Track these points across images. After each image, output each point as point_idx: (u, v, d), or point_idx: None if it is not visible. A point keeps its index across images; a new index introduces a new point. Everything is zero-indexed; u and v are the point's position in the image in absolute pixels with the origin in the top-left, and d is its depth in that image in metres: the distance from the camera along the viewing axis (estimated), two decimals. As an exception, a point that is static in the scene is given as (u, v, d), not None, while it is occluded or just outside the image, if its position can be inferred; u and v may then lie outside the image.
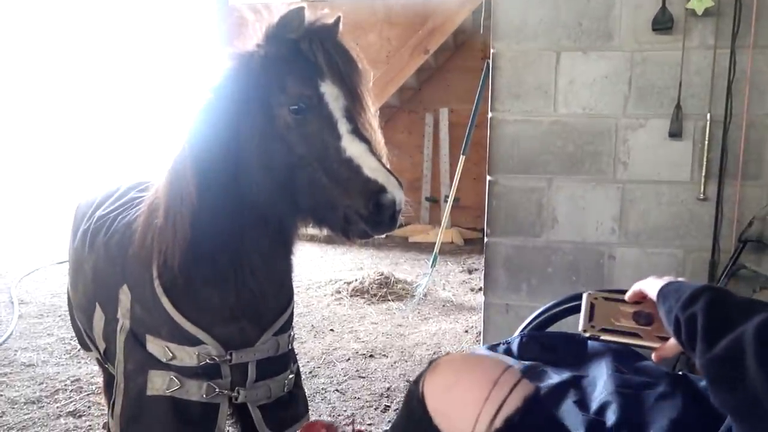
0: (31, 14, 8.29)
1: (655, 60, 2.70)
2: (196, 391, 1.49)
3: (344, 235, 1.40)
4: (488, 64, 3.02)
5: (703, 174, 2.70)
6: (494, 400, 0.92)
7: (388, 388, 3.18)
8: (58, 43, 8.31)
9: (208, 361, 1.49)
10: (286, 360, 1.65)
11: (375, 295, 4.75)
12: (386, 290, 4.81)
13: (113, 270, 1.62)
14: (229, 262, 1.46)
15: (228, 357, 1.50)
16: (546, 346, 1.47)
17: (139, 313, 1.54)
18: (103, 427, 2.63)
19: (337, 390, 3.16)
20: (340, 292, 4.84)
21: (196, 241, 1.41)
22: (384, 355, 3.64)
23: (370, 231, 1.35)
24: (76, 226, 1.98)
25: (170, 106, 6.16)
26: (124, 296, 1.56)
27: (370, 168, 1.32)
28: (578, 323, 1.15)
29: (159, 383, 1.49)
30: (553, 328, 1.58)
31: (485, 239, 2.99)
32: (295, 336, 1.73)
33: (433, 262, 4.83)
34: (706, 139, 2.67)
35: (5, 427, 2.71)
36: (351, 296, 4.76)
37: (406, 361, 3.55)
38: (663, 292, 1.02)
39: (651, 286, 1.07)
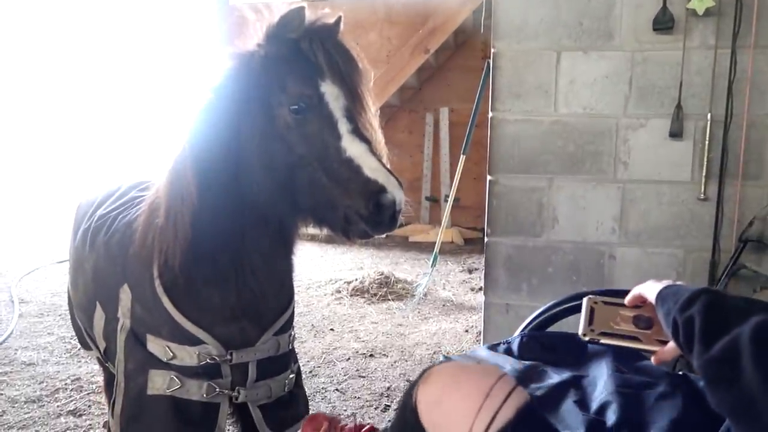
0: (31, 14, 8.29)
1: (655, 60, 2.70)
2: (196, 390, 1.49)
3: (344, 235, 1.40)
4: (489, 63, 3.02)
5: (704, 174, 2.70)
6: (486, 412, 0.92)
7: (389, 388, 3.18)
8: (59, 42, 8.31)
9: (208, 360, 1.49)
10: (286, 360, 1.65)
11: (375, 294, 4.75)
12: (386, 290, 4.81)
13: (114, 269, 1.62)
14: (230, 262, 1.46)
15: (228, 357, 1.50)
16: (546, 345, 1.47)
17: (139, 312, 1.54)
18: (104, 426, 2.64)
19: (337, 389, 3.16)
20: (340, 292, 4.84)
21: (196, 241, 1.41)
22: (384, 355, 3.64)
23: (370, 231, 1.35)
24: (76, 225, 1.98)
25: (171, 105, 6.16)
26: (125, 295, 1.56)
27: (371, 168, 1.32)
28: (578, 324, 1.15)
29: (159, 383, 1.49)
30: (554, 328, 1.58)
31: (485, 239, 2.99)
32: (296, 335, 1.73)
33: (433, 262, 4.83)
34: (707, 139, 2.67)
35: (5, 426, 2.71)
36: (351, 296, 4.76)
37: (407, 361, 3.56)
38: (661, 295, 1.03)
39: (650, 290, 1.08)
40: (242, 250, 1.46)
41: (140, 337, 1.54)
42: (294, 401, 1.66)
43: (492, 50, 2.85)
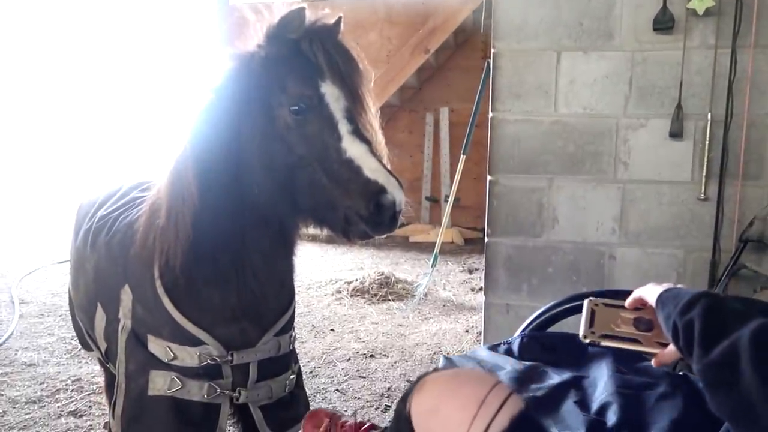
0: (32, 15, 8.30)
1: (655, 60, 2.70)
2: (197, 391, 1.49)
3: (344, 235, 1.40)
4: (489, 63, 3.03)
5: (704, 174, 2.70)
6: (481, 421, 0.91)
7: (389, 388, 3.18)
8: (59, 42, 8.31)
9: (209, 361, 1.49)
10: (287, 360, 1.65)
11: (375, 294, 4.75)
12: (387, 290, 4.81)
13: (115, 270, 1.62)
14: (231, 263, 1.46)
15: (229, 357, 1.50)
16: (547, 346, 1.47)
17: (140, 313, 1.54)
18: (104, 427, 2.64)
19: (337, 390, 3.16)
20: (340, 292, 4.84)
21: (197, 241, 1.41)
22: (384, 355, 3.64)
23: (370, 232, 1.35)
24: (77, 225, 1.98)
25: (171, 105, 6.16)
26: (126, 296, 1.56)
27: (371, 169, 1.32)
28: (579, 326, 1.15)
29: (160, 383, 1.49)
30: (554, 329, 1.58)
31: (486, 239, 2.99)
32: (296, 336, 1.73)
33: (433, 262, 4.83)
34: (707, 139, 2.67)
35: (6, 427, 2.71)
36: (351, 296, 4.76)
37: (407, 361, 3.56)
38: (662, 298, 1.03)
39: (650, 293, 1.08)
40: (243, 250, 1.46)
41: (141, 338, 1.54)
42: (295, 402, 1.66)
43: (492, 50, 2.85)
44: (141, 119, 7.53)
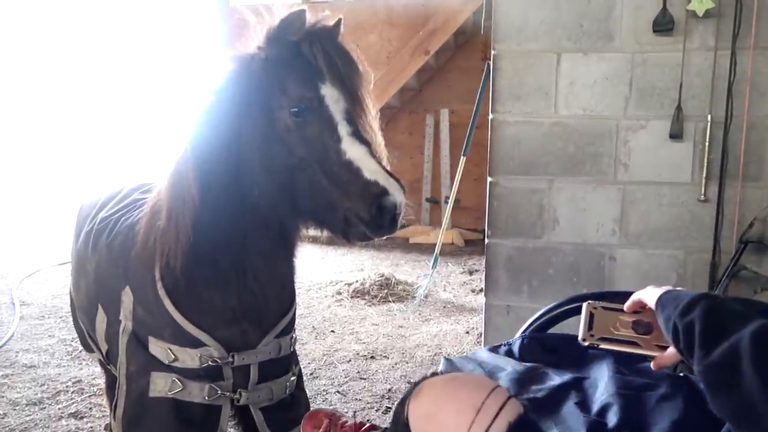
0: (32, 16, 8.30)
1: (655, 61, 2.70)
2: (198, 392, 1.49)
3: (344, 237, 1.40)
4: (489, 65, 3.03)
5: (704, 175, 2.70)
6: (479, 426, 0.92)
7: (389, 390, 3.18)
8: (60, 45, 8.32)
9: (210, 363, 1.49)
10: (288, 362, 1.66)
11: (376, 296, 4.75)
12: (387, 291, 4.81)
13: (116, 272, 1.62)
14: (231, 264, 1.46)
15: (230, 359, 1.50)
16: (547, 347, 1.47)
17: (141, 314, 1.54)
18: (105, 429, 2.64)
19: (338, 391, 3.16)
20: (340, 294, 4.84)
21: (198, 243, 1.41)
22: (385, 357, 3.64)
23: (370, 234, 1.35)
24: (78, 227, 1.98)
25: (172, 107, 6.16)
26: (127, 298, 1.56)
27: (371, 170, 1.32)
28: (578, 329, 1.15)
29: (161, 385, 1.49)
30: (555, 330, 1.58)
31: (486, 240, 2.99)
32: (297, 337, 1.73)
33: (433, 264, 4.83)
34: (707, 140, 2.67)
35: (7, 429, 2.71)
36: (352, 297, 4.76)
37: (407, 363, 3.56)
38: (661, 300, 1.03)
39: (649, 295, 1.08)
40: (243, 252, 1.46)
41: (142, 340, 1.54)
42: (295, 403, 1.66)
43: (492, 52, 2.85)
44: (141, 121, 7.53)
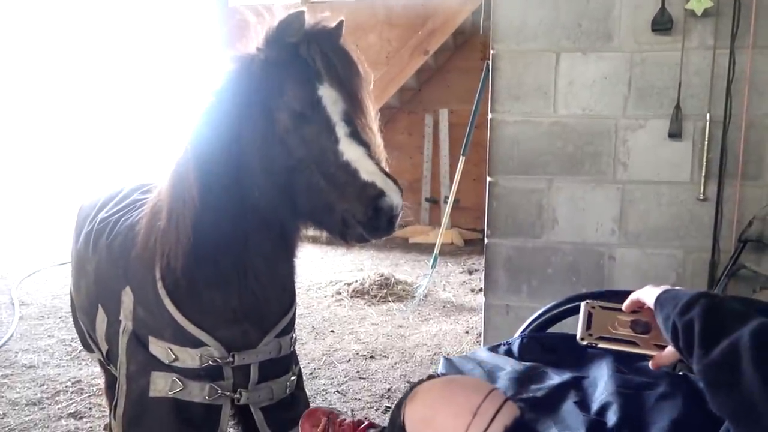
0: (33, 17, 8.30)
1: (654, 61, 2.71)
2: (198, 392, 1.49)
3: (342, 238, 1.40)
4: (488, 65, 3.03)
5: (703, 174, 2.70)
6: (475, 430, 0.91)
7: (389, 389, 3.19)
8: (60, 45, 8.32)
9: (210, 362, 1.49)
10: (288, 362, 1.66)
11: (375, 296, 4.75)
12: (386, 291, 4.81)
13: (116, 272, 1.62)
14: (232, 265, 1.46)
15: (230, 359, 1.50)
16: (547, 347, 1.47)
17: (141, 314, 1.54)
18: (104, 429, 2.64)
19: (337, 391, 3.16)
20: (340, 294, 4.84)
21: (198, 243, 1.41)
22: (384, 356, 3.64)
23: (367, 235, 1.35)
24: (78, 227, 1.98)
25: (172, 107, 6.16)
26: (127, 298, 1.57)
27: (368, 172, 1.32)
28: (577, 328, 1.15)
29: (162, 385, 1.49)
30: (554, 329, 1.58)
31: (485, 240, 2.99)
32: (296, 337, 1.74)
33: (433, 263, 4.83)
34: (706, 139, 2.68)
35: (6, 429, 2.71)
36: (351, 297, 4.76)
37: (407, 362, 3.56)
38: (660, 300, 1.03)
39: (648, 295, 1.08)
40: (245, 253, 1.46)
41: (142, 340, 1.54)
42: (295, 403, 1.66)
43: (491, 51, 2.85)
44: (141, 121, 7.53)
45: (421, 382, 1.06)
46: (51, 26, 8.29)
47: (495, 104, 2.86)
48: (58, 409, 2.90)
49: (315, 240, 1.75)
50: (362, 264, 5.90)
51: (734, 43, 2.60)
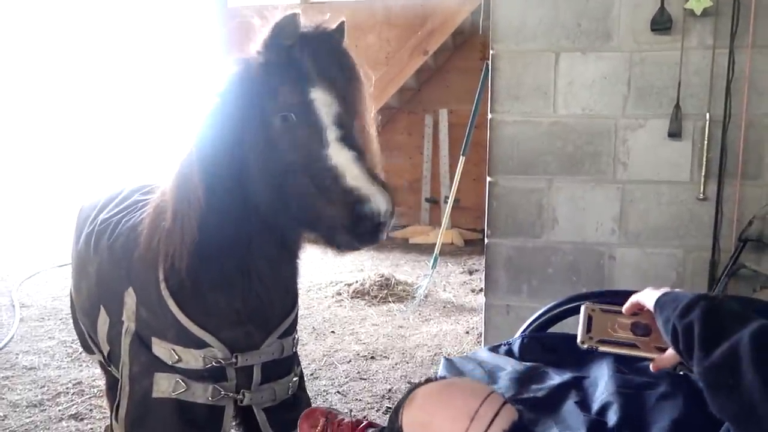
0: (33, 19, 8.30)
1: (654, 60, 2.71)
2: (201, 393, 1.49)
3: (332, 245, 1.38)
4: (487, 65, 3.03)
5: (703, 174, 2.70)
6: None
7: (390, 390, 3.18)
8: (61, 46, 8.32)
9: (214, 363, 1.49)
10: (290, 363, 1.66)
11: (376, 296, 4.75)
12: (387, 292, 4.81)
13: (118, 273, 1.62)
14: (236, 267, 1.46)
15: (234, 360, 1.50)
16: (547, 346, 1.48)
17: (144, 315, 1.54)
18: (105, 431, 2.64)
19: (338, 392, 3.16)
20: (340, 294, 4.84)
21: (203, 245, 1.41)
22: (385, 357, 3.64)
23: (353, 242, 1.32)
24: (79, 228, 1.98)
25: (172, 108, 6.16)
26: (130, 299, 1.57)
27: (353, 177, 1.29)
28: (577, 329, 1.15)
29: (165, 386, 1.49)
30: (554, 329, 1.58)
31: (485, 240, 2.99)
32: (299, 338, 1.74)
33: (433, 264, 4.83)
34: (706, 138, 2.68)
35: (7, 431, 2.71)
36: (352, 298, 4.76)
37: (408, 363, 3.56)
38: (660, 302, 1.03)
39: (648, 297, 1.08)
40: (248, 255, 1.46)
41: (145, 340, 1.54)
42: (297, 404, 1.66)
43: (490, 51, 2.86)
44: (141, 122, 7.53)
45: (419, 385, 1.06)
46: (52, 27, 8.29)
47: (495, 104, 2.86)
48: (59, 410, 2.90)
49: (315, 241, 1.74)
50: (362, 264, 5.90)
51: (734, 43, 2.60)
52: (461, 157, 4.65)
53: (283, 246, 1.49)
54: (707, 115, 2.67)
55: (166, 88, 7.18)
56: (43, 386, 3.14)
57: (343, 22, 1.45)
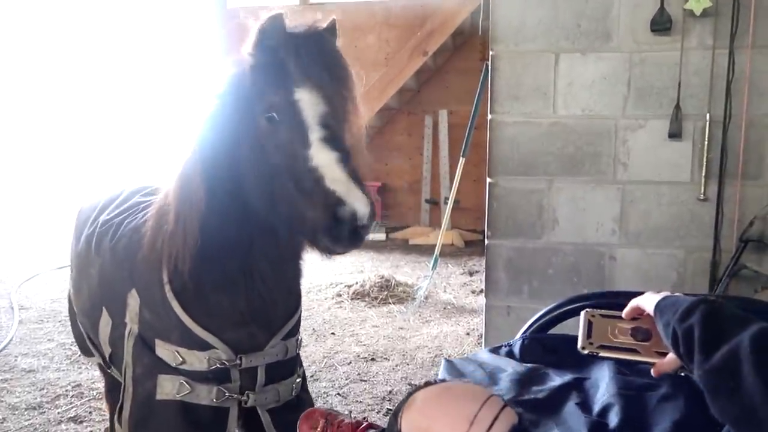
0: (33, 20, 8.30)
1: (653, 61, 2.70)
2: (206, 395, 1.49)
3: (315, 248, 1.36)
4: (487, 65, 3.03)
5: (703, 174, 2.70)
6: None
7: (390, 392, 3.18)
8: (59, 47, 8.32)
9: (218, 365, 1.49)
10: (293, 364, 1.66)
11: (376, 298, 4.75)
12: (387, 293, 4.81)
13: (121, 274, 1.62)
14: (239, 268, 1.46)
15: (238, 361, 1.50)
16: (548, 348, 1.47)
17: (147, 317, 1.54)
18: (105, 433, 2.63)
19: (338, 394, 3.16)
20: (340, 296, 4.83)
21: (205, 246, 1.41)
22: (385, 359, 3.63)
23: (332, 246, 1.30)
24: (78, 230, 1.98)
25: (171, 109, 6.16)
26: (133, 301, 1.56)
27: (332, 179, 1.27)
28: (578, 333, 1.15)
29: (169, 388, 1.49)
30: (555, 330, 1.57)
31: (486, 241, 2.99)
32: (301, 339, 1.74)
33: (433, 265, 4.83)
34: (706, 139, 2.67)
35: (7, 433, 2.71)
36: (352, 299, 4.76)
37: (408, 364, 3.55)
38: (660, 306, 1.03)
39: (648, 301, 1.08)
40: (250, 256, 1.46)
41: (148, 342, 1.54)
42: (301, 405, 1.66)
43: (490, 52, 2.85)
44: (139, 124, 7.53)
45: (418, 388, 1.06)
46: (51, 30, 8.29)
47: (494, 105, 2.85)
48: (58, 413, 2.89)
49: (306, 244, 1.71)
50: (362, 266, 5.89)
51: (733, 43, 2.60)
52: (461, 158, 4.65)
53: (284, 247, 1.48)
54: (707, 115, 2.67)
55: (165, 89, 7.18)
56: (42, 389, 3.13)
57: (334, 21, 1.44)
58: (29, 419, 2.83)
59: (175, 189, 1.44)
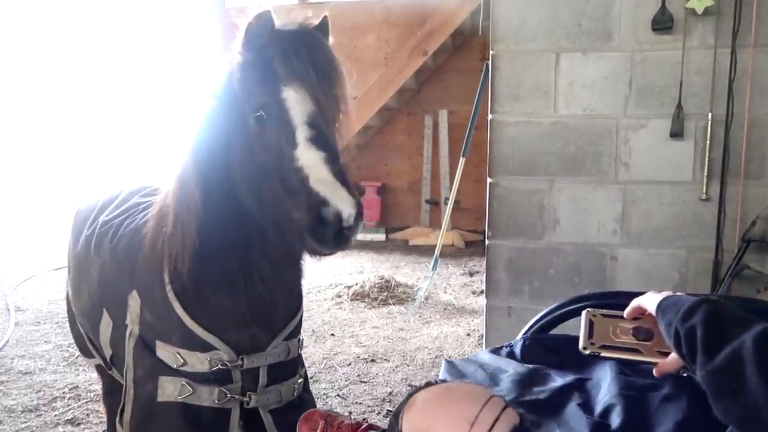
0: (32, 20, 8.30)
1: (655, 60, 2.69)
2: (207, 396, 1.48)
3: (303, 249, 1.34)
4: (487, 65, 3.01)
5: (705, 174, 2.68)
6: None
7: (390, 393, 3.16)
8: (57, 47, 8.32)
9: (219, 366, 1.47)
10: (295, 364, 1.65)
11: (376, 299, 4.73)
12: (387, 294, 4.79)
13: (121, 276, 1.61)
14: (238, 268, 1.45)
15: (239, 362, 1.49)
16: (549, 348, 1.46)
17: (148, 318, 1.53)
18: (103, 435, 2.61)
19: (338, 395, 3.14)
20: (340, 297, 4.82)
21: (203, 248, 1.40)
22: (385, 360, 3.62)
23: (318, 247, 1.28)
24: (77, 231, 1.97)
25: (170, 110, 6.15)
26: (134, 302, 1.55)
27: (317, 179, 1.25)
28: (579, 335, 1.14)
29: (170, 389, 1.48)
30: (556, 331, 1.56)
31: (486, 242, 2.97)
32: (303, 340, 1.72)
33: (433, 265, 4.81)
34: (708, 138, 2.66)
35: (3, 436, 2.69)
36: (352, 300, 4.74)
37: (408, 366, 3.53)
38: (662, 306, 1.02)
39: (650, 301, 1.07)
40: (249, 256, 1.45)
41: (149, 344, 1.53)
42: (303, 405, 1.64)
43: (490, 52, 2.84)
44: (138, 123, 7.53)
45: (419, 389, 1.04)
46: (49, 29, 8.29)
47: (495, 105, 2.84)
48: (55, 415, 2.87)
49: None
50: (362, 266, 5.88)
51: (735, 42, 2.59)
52: (461, 158, 4.63)
53: (279, 247, 1.47)
54: (709, 114, 2.65)
55: (164, 88, 7.17)
56: (39, 391, 3.12)
57: (326, 18, 1.42)
58: (26, 422, 2.81)
59: (173, 191, 1.44)
